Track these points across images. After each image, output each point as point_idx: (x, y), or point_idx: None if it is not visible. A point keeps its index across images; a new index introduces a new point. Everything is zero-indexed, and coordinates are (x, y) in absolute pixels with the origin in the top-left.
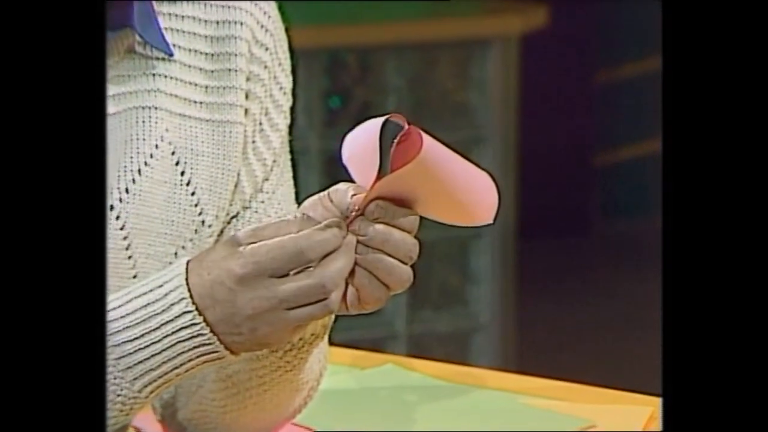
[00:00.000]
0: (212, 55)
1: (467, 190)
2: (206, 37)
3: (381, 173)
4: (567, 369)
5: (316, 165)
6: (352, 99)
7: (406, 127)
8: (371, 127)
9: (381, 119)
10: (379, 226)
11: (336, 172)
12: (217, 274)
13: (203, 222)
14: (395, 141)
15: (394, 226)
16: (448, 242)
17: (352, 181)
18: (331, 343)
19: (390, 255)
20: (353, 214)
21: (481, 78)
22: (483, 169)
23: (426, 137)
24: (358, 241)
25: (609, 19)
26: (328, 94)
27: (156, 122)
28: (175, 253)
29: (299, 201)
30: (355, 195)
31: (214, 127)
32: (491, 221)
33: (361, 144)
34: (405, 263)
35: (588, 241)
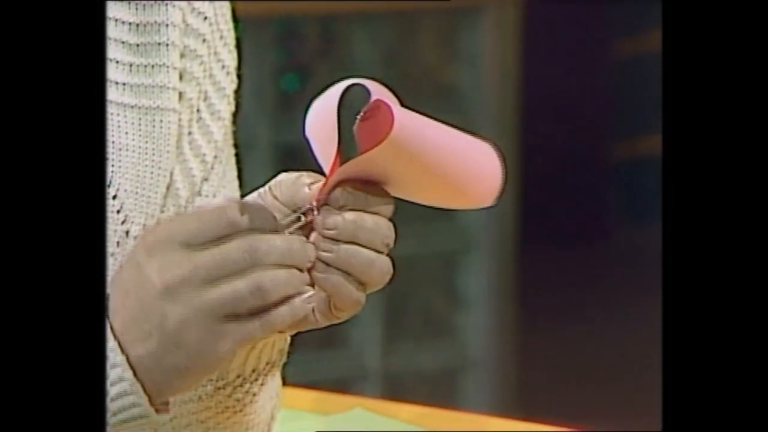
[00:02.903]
0: (137, 25)
1: (460, 166)
2: (130, 3)
3: (341, 152)
4: (575, 414)
5: (267, 161)
6: (311, 79)
7: (372, 99)
8: (332, 95)
9: (343, 85)
10: (349, 214)
11: (292, 170)
12: (125, 263)
13: (127, 232)
14: (359, 117)
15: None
16: (431, 258)
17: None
18: (288, 382)
19: (364, 246)
20: (313, 206)
21: (471, 52)
22: (483, 138)
23: (399, 112)
24: (324, 236)
25: None
26: (282, 74)
27: None
28: None
29: None
30: (312, 184)
31: (140, 114)
32: (493, 202)
33: (322, 116)
34: (381, 252)
35: (603, 254)
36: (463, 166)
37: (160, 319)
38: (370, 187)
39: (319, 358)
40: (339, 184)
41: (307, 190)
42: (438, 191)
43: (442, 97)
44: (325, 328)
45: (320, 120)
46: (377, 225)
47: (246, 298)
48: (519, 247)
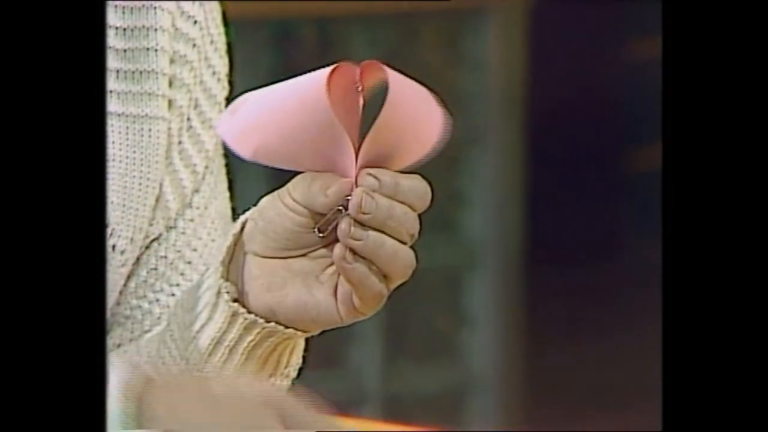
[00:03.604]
0: (124, 29)
1: (422, 116)
2: (116, 7)
3: (354, 134)
4: None
5: (259, 171)
6: None
7: (356, 69)
8: (315, 82)
9: (324, 72)
10: (383, 200)
11: (289, 178)
12: None
13: (114, 246)
14: (359, 90)
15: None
16: (433, 273)
17: None
18: None
19: (390, 235)
20: (343, 207)
21: (475, 57)
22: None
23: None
24: (357, 221)
25: None
26: (277, 79)
27: None
28: None
29: (237, 218)
30: (328, 188)
31: (128, 123)
32: (443, 135)
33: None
34: (405, 243)
35: (614, 270)
36: (422, 114)
37: None
38: (397, 172)
39: (315, 379)
40: (360, 168)
41: (324, 197)
42: (412, 146)
43: (444, 105)
44: (321, 346)
45: (302, 114)
46: (405, 215)
47: None
48: (526, 263)
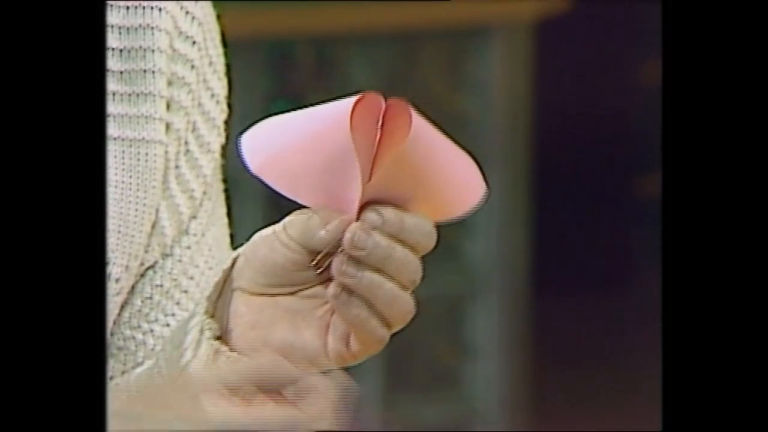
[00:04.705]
0: (120, 51)
1: (453, 174)
2: (113, 27)
3: (363, 169)
4: None
5: (258, 196)
6: (305, 106)
7: (383, 103)
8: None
9: (350, 101)
10: (381, 238)
11: (286, 206)
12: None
13: (108, 274)
14: (378, 125)
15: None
16: (435, 302)
17: None
18: None
19: (391, 277)
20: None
21: (479, 78)
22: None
23: (413, 112)
24: (349, 258)
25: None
26: (273, 100)
27: None
28: None
29: (237, 245)
30: (326, 225)
31: (123, 147)
32: (479, 203)
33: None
34: (406, 289)
35: (624, 299)
36: (454, 172)
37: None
38: (405, 211)
39: None
40: (366, 204)
41: (323, 233)
42: (432, 202)
43: (447, 127)
44: None
45: (321, 145)
46: (406, 257)
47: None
48: (531, 291)
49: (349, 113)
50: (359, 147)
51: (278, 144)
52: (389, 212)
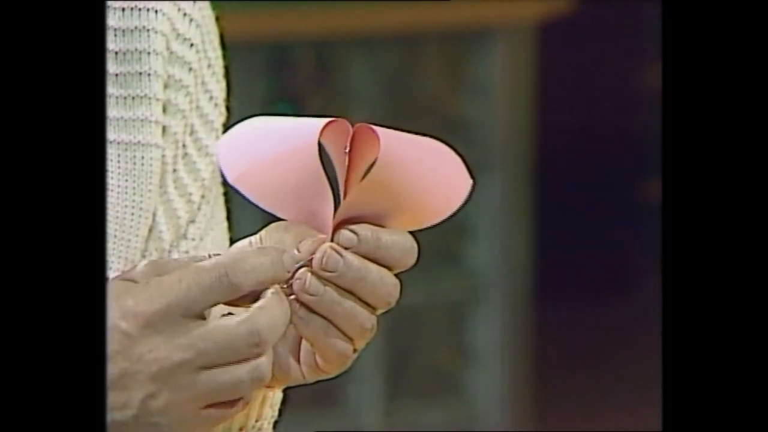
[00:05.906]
0: (116, 53)
1: (434, 177)
2: (109, 29)
3: (336, 188)
4: None
5: None
6: (304, 110)
7: (350, 129)
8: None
9: (320, 123)
10: (353, 258)
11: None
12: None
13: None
14: (346, 151)
15: (370, 259)
16: (436, 308)
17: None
18: None
19: (363, 299)
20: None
21: (480, 81)
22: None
23: (379, 129)
24: (318, 277)
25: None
26: (273, 103)
27: None
28: None
29: None
30: (300, 241)
31: (120, 150)
32: (465, 198)
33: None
34: (377, 309)
35: (627, 305)
36: (435, 175)
37: (144, 398)
38: (386, 226)
39: (312, 418)
40: (340, 224)
41: (295, 252)
42: (416, 209)
43: (448, 131)
44: (318, 383)
45: (287, 166)
46: (381, 280)
47: (247, 387)
48: (533, 297)
49: (317, 137)
50: (336, 165)
51: (253, 155)
52: (365, 230)
